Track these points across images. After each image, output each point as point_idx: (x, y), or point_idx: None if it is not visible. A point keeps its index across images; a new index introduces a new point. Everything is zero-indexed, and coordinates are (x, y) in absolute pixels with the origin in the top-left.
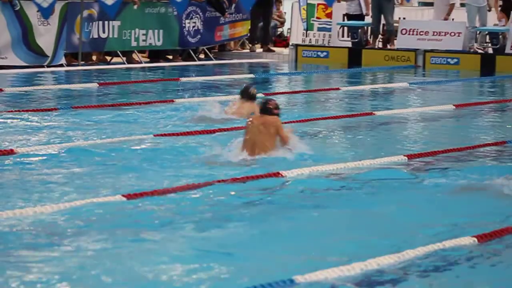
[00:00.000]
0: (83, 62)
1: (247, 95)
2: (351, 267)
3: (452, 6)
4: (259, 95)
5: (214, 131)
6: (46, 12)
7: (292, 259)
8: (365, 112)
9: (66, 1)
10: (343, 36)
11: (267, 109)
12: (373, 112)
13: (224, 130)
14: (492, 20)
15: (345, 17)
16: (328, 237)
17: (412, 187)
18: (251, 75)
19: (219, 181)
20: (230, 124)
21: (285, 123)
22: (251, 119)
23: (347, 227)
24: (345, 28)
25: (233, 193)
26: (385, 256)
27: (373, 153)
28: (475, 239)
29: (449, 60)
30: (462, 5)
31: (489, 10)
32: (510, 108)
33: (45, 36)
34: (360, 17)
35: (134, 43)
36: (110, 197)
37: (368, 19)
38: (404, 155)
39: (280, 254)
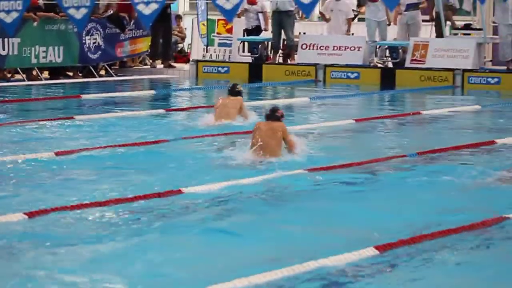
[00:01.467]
0: None
1: (234, 92)
2: (257, 278)
3: (350, 20)
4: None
5: (123, 145)
6: None
7: (203, 270)
8: None
9: None
10: (243, 51)
11: (274, 115)
12: None
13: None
14: (392, 34)
15: (245, 32)
16: (235, 247)
17: (313, 199)
18: (152, 91)
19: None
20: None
21: (185, 138)
22: (258, 124)
23: (252, 238)
24: (246, 44)
25: (138, 208)
26: (292, 266)
27: (273, 167)
28: (377, 250)
29: (349, 74)
30: (361, 19)
31: (389, 25)
32: (409, 121)
33: None
34: (258, 30)
35: (34, 60)
36: (11, 215)
37: (269, 34)
38: (305, 169)
39: (191, 264)
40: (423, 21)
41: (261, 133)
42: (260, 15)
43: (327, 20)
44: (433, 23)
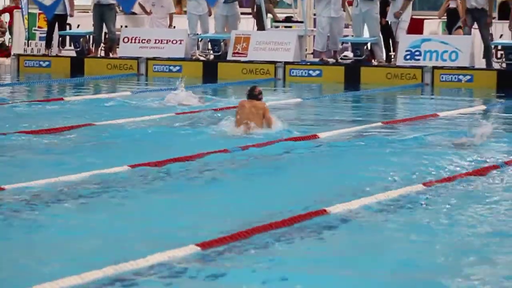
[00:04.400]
0: None
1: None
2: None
3: (171, 15)
4: None
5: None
6: None
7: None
8: (86, 123)
9: None
10: (64, 45)
11: (255, 95)
12: (94, 123)
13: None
14: (213, 27)
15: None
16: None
17: (134, 197)
18: None
19: None
20: None
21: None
22: (242, 102)
23: (82, 232)
24: (68, 37)
25: None
26: (130, 262)
27: (94, 164)
28: (198, 247)
29: (171, 67)
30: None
31: (210, 15)
32: (230, 115)
33: None
34: (64, 17)
35: None
36: None
37: (89, 28)
38: (128, 165)
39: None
40: (245, 13)
41: (244, 111)
42: (66, 1)
43: (147, 13)
44: (254, 15)
